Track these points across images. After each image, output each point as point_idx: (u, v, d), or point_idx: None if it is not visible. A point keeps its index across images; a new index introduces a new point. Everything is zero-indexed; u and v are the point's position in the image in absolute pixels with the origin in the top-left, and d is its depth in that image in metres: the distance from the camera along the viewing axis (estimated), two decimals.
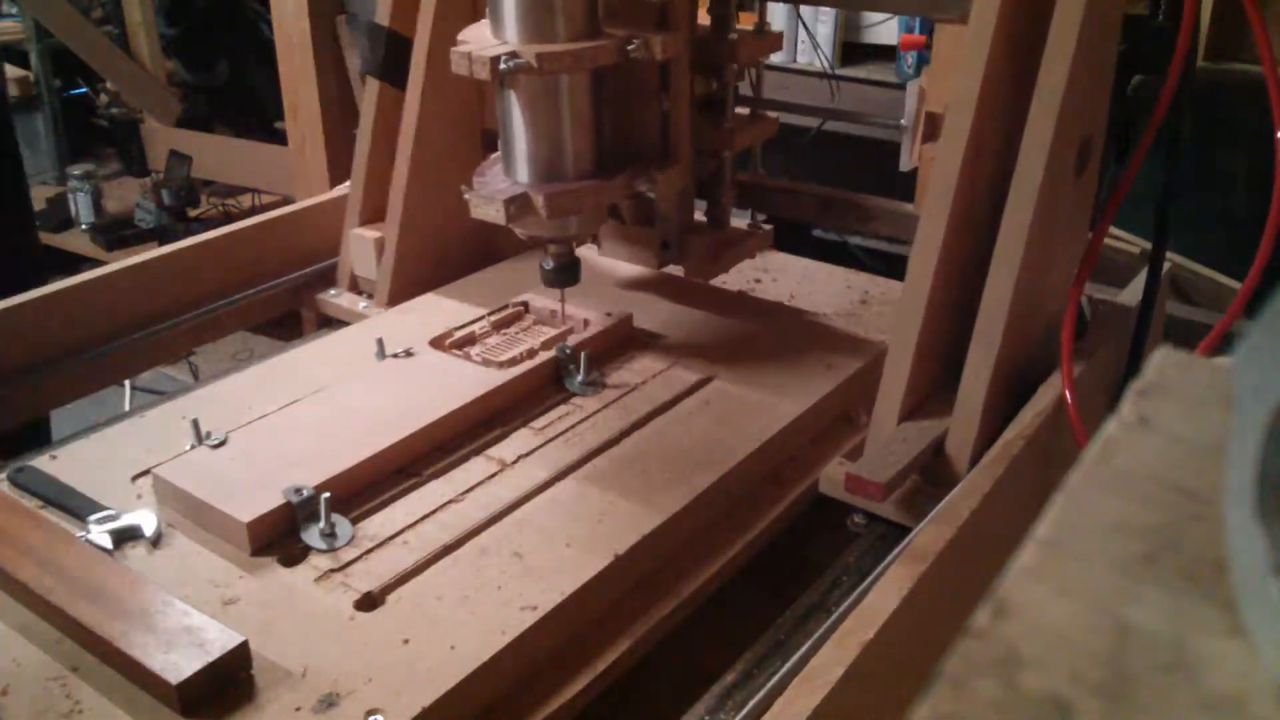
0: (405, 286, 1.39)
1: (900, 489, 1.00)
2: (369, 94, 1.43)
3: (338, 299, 1.45)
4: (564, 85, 1.06)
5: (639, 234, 1.27)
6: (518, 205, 1.05)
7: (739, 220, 1.41)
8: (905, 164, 1.41)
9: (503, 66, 0.99)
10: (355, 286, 1.46)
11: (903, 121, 1.38)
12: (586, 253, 1.38)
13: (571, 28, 1.03)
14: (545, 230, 1.10)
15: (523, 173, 1.08)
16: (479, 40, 1.04)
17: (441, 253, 1.41)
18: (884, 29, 2.76)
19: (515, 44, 1.02)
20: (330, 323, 1.45)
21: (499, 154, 1.11)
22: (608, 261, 1.40)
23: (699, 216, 1.34)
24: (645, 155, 1.17)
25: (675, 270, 1.34)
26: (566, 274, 1.15)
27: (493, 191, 1.06)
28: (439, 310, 1.31)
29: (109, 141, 3.56)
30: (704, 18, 1.23)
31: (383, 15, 1.37)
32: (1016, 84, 0.99)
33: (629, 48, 1.05)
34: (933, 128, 1.31)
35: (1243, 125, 1.84)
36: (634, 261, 1.32)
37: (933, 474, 1.03)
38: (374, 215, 1.44)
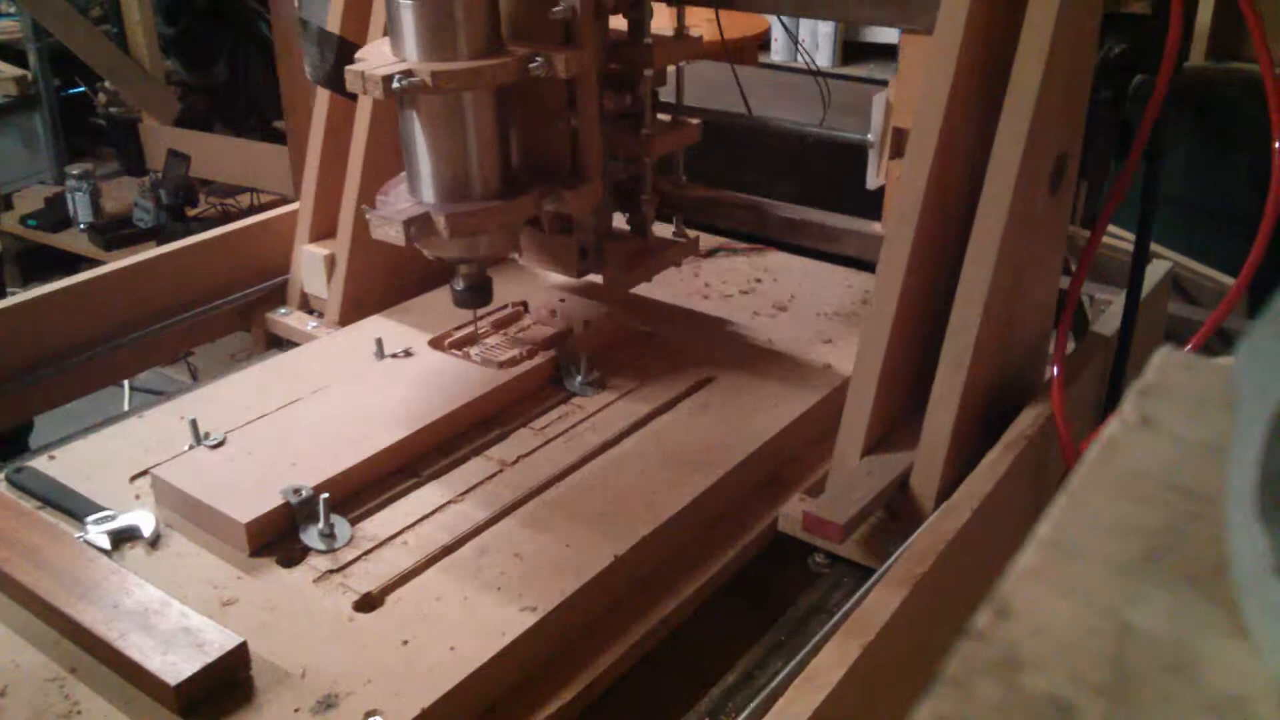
0: (356, 304, 1.33)
1: (863, 526, 0.95)
2: (319, 104, 1.37)
3: (287, 318, 1.40)
4: (465, 103, 1.03)
5: (557, 242, 1.22)
6: (419, 225, 1.02)
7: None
8: (872, 182, 1.35)
9: (396, 85, 0.96)
10: (306, 305, 1.41)
11: (869, 136, 1.33)
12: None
13: (472, 45, 1.00)
14: (450, 251, 1.08)
15: (427, 192, 1.05)
16: (377, 57, 1.01)
17: (395, 270, 1.35)
18: (885, 29, 2.76)
19: (413, 61, 0.99)
20: (279, 342, 1.40)
21: (405, 172, 1.08)
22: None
23: (624, 225, 1.29)
24: (555, 172, 1.13)
25: (595, 279, 1.29)
26: (477, 294, 1.12)
27: (394, 211, 1.03)
28: (437, 310, 1.30)
29: (107, 141, 3.57)
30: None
31: (333, 22, 1.32)
32: (986, 97, 0.95)
33: (531, 65, 1.02)
34: (900, 143, 1.25)
35: (1243, 124, 1.84)
36: (553, 270, 1.27)
37: (898, 510, 0.98)
38: (326, 231, 1.38)
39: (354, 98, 1.27)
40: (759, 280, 1.46)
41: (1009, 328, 1.00)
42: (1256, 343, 0.33)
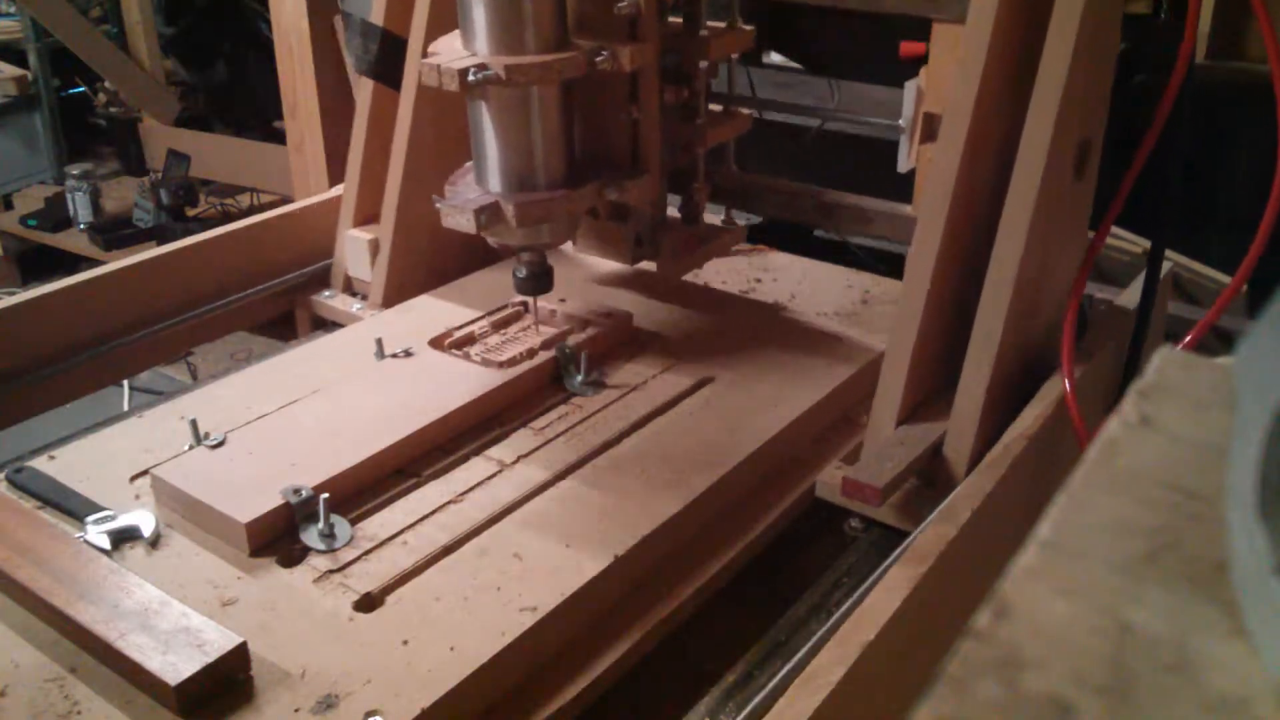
0: (400, 288, 1.38)
1: (898, 493, 0.99)
2: (363, 94, 1.42)
3: (332, 300, 1.45)
4: (533, 96, 1.06)
5: (612, 230, 1.27)
6: (488, 214, 1.05)
7: (715, 217, 1.41)
8: (903, 165, 1.40)
9: (471, 78, 1.00)
10: (350, 288, 1.46)
11: (900, 122, 1.37)
12: (579, 254, 1.38)
13: (540, 39, 1.04)
14: (516, 239, 1.11)
15: (494, 182, 1.09)
16: (449, 51, 1.04)
17: (436, 254, 1.40)
18: None
19: (484, 55, 1.02)
20: (325, 324, 1.44)
21: (472, 163, 1.12)
22: (605, 261, 1.40)
23: (673, 213, 1.33)
24: (616, 163, 1.17)
25: (649, 266, 1.33)
26: (539, 281, 1.15)
27: (464, 201, 1.06)
28: (435, 311, 1.31)
29: (107, 141, 3.56)
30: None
31: (377, 15, 1.36)
32: (1015, 84, 0.99)
33: (597, 59, 1.06)
34: (930, 128, 1.30)
35: (1244, 124, 1.84)
36: (607, 257, 1.32)
37: (931, 477, 1.02)
38: (369, 216, 1.43)
39: (397, 89, 1.33)
40: (759, 280, 1.46)
41: (1035, 304, 1.04)
42: (1256, 343, 0.33)
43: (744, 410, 1.12)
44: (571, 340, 1.21)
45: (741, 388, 1.17)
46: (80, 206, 3.19)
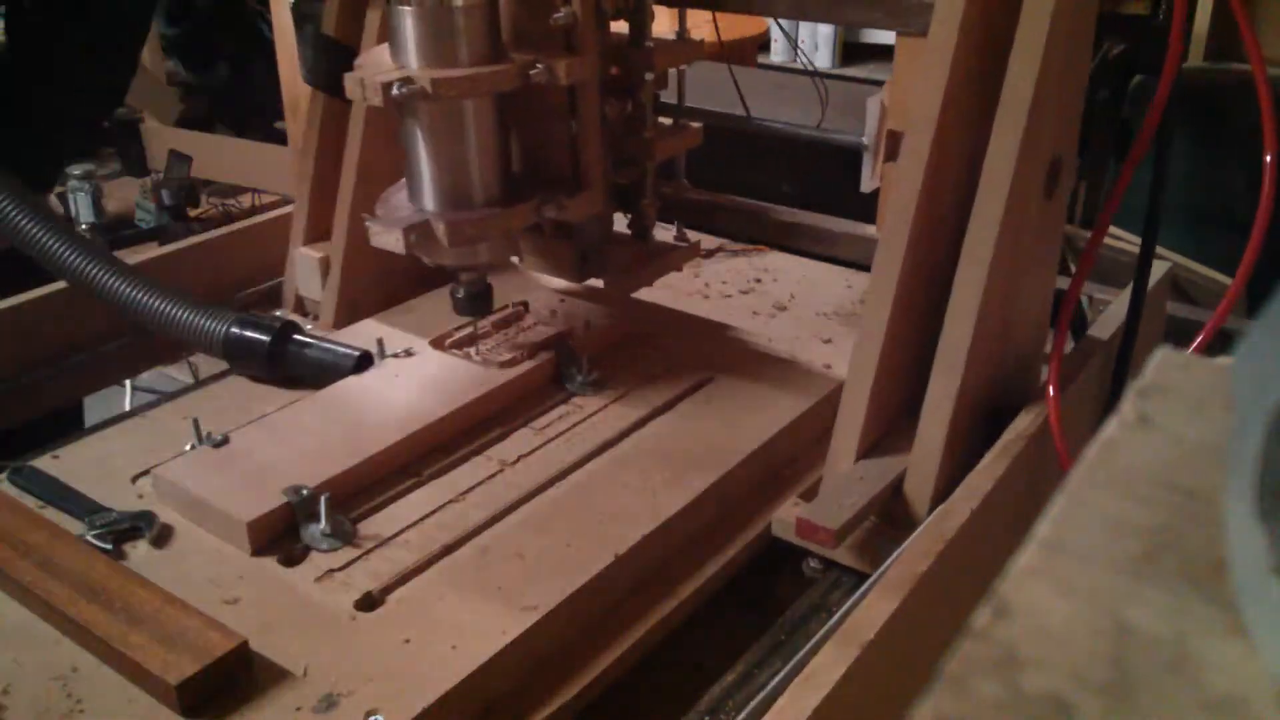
0: (351, 308, 1.32)
1: (857, 532, 0.95)
2: (312, 106, 1.36)
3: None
4: (466, 110, 1.03)
5: (557, 247, 1.21)
6: (419, 233, 1.02)
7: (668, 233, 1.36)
8: (866, 185, 1.35)
9: (395, 92, 0.96)
10: (300, 308, 1.40)
11: (864, 139, 1.33)
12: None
13: (472, 52, 1.00)
14: (450, 258, 1.08)
15: (427, 199, 1.05)
16: (376, 63, 1.01)
17: (389, 273, 1.33)
18: (885, 30, 2.76)
19: (413, 68, 0.99)
20: None
21: (404, 180, 1.08)
22: None
23: (625, 229, 1.27)
24: (557, 180, 1.13)
25: (597, 283, 1.28)
26: (476, 303, 1.12)
27: (394, 219, 1.03)
28: (438, 310, 1.29)
29: (109, 141, 3.56)
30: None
31: (328, 24, 1.31)
32: (981, 100, 0.94)
33: (531, 72, 1.02)
34: (894, 146, 1.25)
35: (1243, 125, 1.84)
36: (554, 275, 1.27)
37: (892, 515, 0.97)
38: (320, 233, 1.37)
39: (349, 101, 1.25)
40: (759, 280, 1.46)
41: (1004, 332, 1.00)
42: (1256, 343, 0.33)
43: (744, 410, 1.12)
44: (571, 340, 1.21)
45: (741, 388, 1.17)
46: (82, 207, 3.18)
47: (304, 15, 1.33)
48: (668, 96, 1.25)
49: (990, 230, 0.92)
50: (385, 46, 1.03)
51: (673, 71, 1.23)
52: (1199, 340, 1.04)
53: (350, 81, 0.99)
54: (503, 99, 1.05)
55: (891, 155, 1.24)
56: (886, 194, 1.34)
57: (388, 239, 1.02)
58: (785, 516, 0.97)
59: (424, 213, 1.04)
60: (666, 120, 1.25)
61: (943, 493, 0.93)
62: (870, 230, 1.44)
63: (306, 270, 1.36)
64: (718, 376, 1.19)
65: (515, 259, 1.26)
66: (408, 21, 0.98)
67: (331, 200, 1.34)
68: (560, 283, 1.34)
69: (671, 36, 1.19)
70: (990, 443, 0.96)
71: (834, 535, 0.90)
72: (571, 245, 1.20)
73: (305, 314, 1.40)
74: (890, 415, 1.02)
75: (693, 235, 1.33)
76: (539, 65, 1.02)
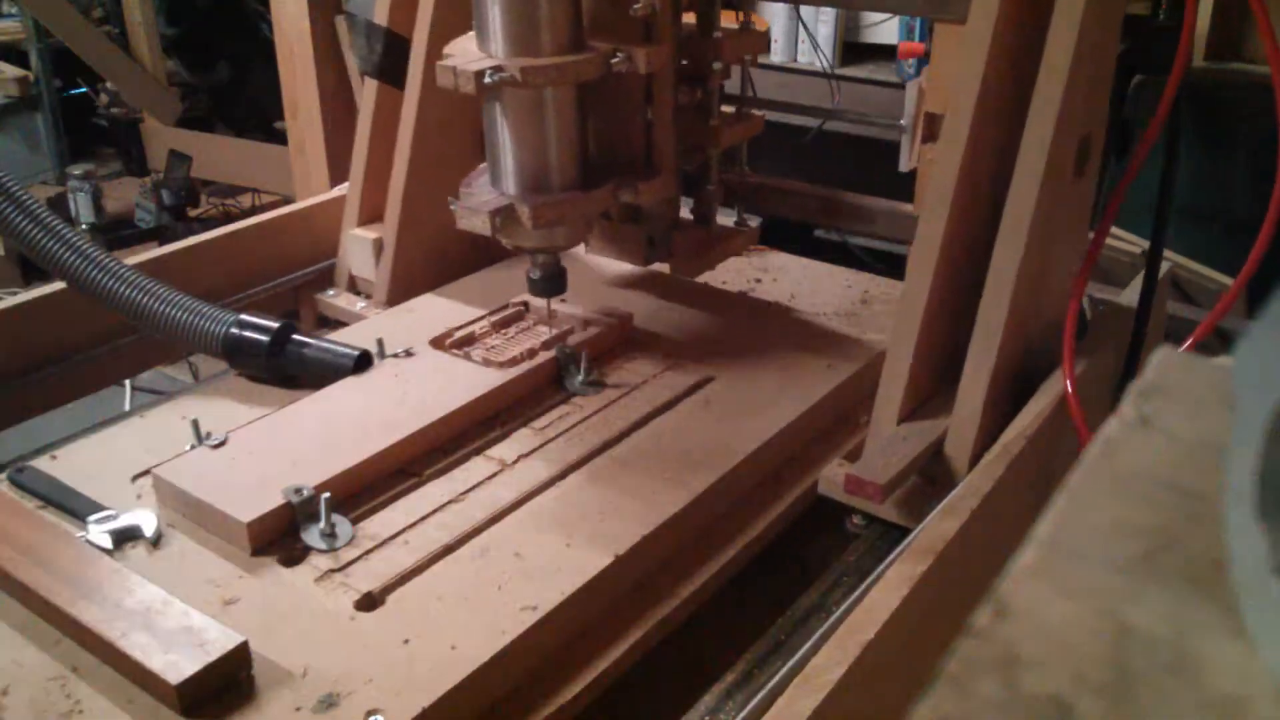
0: (404, 287, 1.38)
1: (900, 490, 0.99)
2: (367, 94, 1.42)
3: (336, 299, 1.45)
4: (548, 98, 1.06)
5: (625, 231, 1.27)
6: (503, 216, 1.06)
7: (726, 218, 1.41)
8: (905, 164, 1.41)
9: (487, 80, 0.99)
10: (354, 287, 1.46)
11: (902, 122, 1.38)
12: (583, 254, 1.38)
13: (556, 41, 1.04)
14: (531, 241, 1.11)
15: (509, 184, 1.09)
16: (465, 53, 1.04)
17: (440, 253, 1.40)
18: (884, 29, 2.76)
19: (500, 57, 1.02)
20: (329, 323, 1.44)
21: (486, 164, 1.12)
22: (606, 261, 1.40)
23: (685, 214, 1.33)
24: (630, 165, 1.17)
25: (662, 268, 1.34)
26: (553, 283, 1.15)
27: (479, 203, 1.06)
28: (438, 310, 1.31)
29: (109, 141, 3.56)
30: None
31: (381, 15, 1.37)
32: (1016, 83, 0.99)
33: (613, 61, 1.06)
34: (932, 128, 1.31)
35: (1243, 124, 1.84)
36: (621, 259, 1.32)
37: (933, 474, 1.02)
38: (372, 215, 1.43)
39: (401, 89, 1.33)
40: (759, 280, 1.46)
41: (1036, 301, 1.04)
42: (1256, 343, 0.33)
43: (744, 410, 1.12)
44: (571, 340, 1.21)
45: (741, 388, 1.17)
46: (82, 207, 3.19)
47: (354, 7, 1.36)
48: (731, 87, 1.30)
49: (1027, 206, 0.97)
50: (471, 36, 1.06)
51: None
52: (1192, 338, 1.04)
53: (442, 70, 1.02)
54: (582, 86, 1.08)
55: (930, 137, 1.29)
56: (924, 174, 1.38)
57: (475, 221, 1.05)
58: (832, 475, 1.02)
59: (507, 196, 1.08)
60: (730, 109, 1.29)
61: (981, 452, 0.99)
62: (907, 208, 1.47)
63: (361, 251, 1.42)
64: (718, 376, 1.18)
65: (584, 245, 1.29)
66: (495, 11, 1.02)
67: (383, 185, 1.39)
68: (609, 265, 1.38)
69: (735, 27, 1.24)
70: (1020, 406, 1.01)
71: (881, 490, 0.95)
72: (640, 229, 1.25)
73: (358, 293, 1.46)
74: (930, 380, 1.07)
75: (753, 221, 1.38)
76: (620, 54, 1.06)
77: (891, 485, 0.96)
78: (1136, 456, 0.37)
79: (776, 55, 3.49)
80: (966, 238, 1.03)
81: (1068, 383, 1.00)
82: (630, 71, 1.07)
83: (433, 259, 1.40)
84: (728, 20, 1.24)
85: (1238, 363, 0.34)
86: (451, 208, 1.07)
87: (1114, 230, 1.43)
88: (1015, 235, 0.98)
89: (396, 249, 1.38)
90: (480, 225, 1.05)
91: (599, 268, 1.41)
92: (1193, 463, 0.37)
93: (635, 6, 1.07)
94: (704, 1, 1.19)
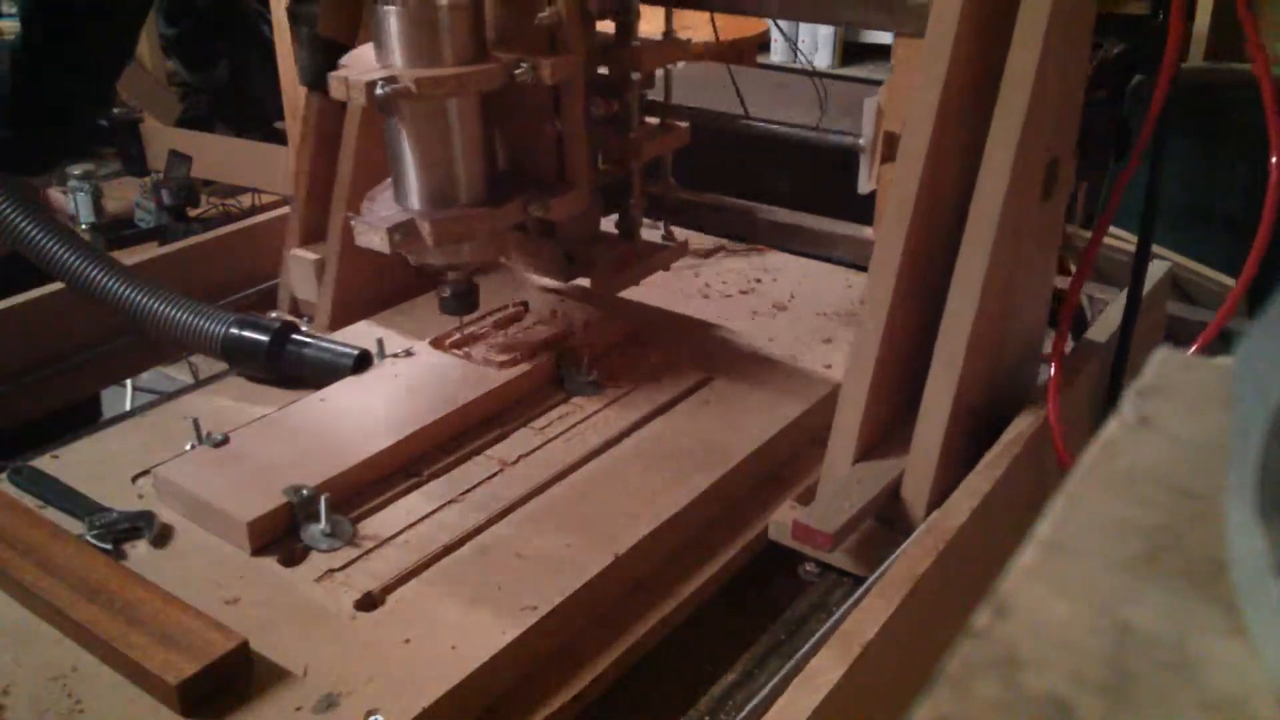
0: (346, 310, 1.31)
1: (854, 535, 0.94)
2: (307, 107, 1.35)
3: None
4: (450, 110, 1.02)
5: (544, 247, 1.21)
6: (403, 232, 1.01)
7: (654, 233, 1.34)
8: (863, 186, 1.34)
9: (379, 92, 0.95)
10: (296, 309, 1.40)
11: (860, 140, 1.32)
12: None
13: (456, 51, 0.99)
14: (434, 258, 1.07)
15: (411, 199, 1.05)
16: (361, 64, 1.01)
17: (384, 276, 1.32)
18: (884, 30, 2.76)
19: (397, 68, 0.98)
20: None
21: (390, 180, 1.08)
22: None
23: (612, 228, 1.27)
24: (542, 179, 1.13)
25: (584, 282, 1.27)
26: (463, 301, 1.12)
27: (378, 219, 1.02)
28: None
29: (109, 141, 3.56)
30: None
31: (322, 25, 1.30)
32: (977, 102, 0.93)
33: (516, 72, 1.02)
34: (891, 148, 1.24)
35: (1243, 124, 1.84)
36: (541, 274, 1.27)
37: (890, 518, 0.97)
38: (315, 235, 1.37)
39: (345, 102, 1.24)
40: (759, 280, 1.46)
41: (1001, 334, 0.99)
42: (1256, 343, 0.33)
43: (744, 410, 1.12)
44: (571, 340, 1.21)
45: (741, 388, 1.17)
46: (82, 207, 3.18)
47: (298, 17, 1.32)
48: (656, 95, 1.25)
49: (988, 231, 0.91)
50: (370, 46, 1.03)
51: (658, 71, 1.23)
52: (1199, 342, 1.04)
53: (334, 80, 0.98)
54: (487, 98, 1.05)
55: (889, 156, 1.23)
56: (883, 196, 1.33)
57: (372, 238, 1.01)
58: (782, 520, 0.97)
59: (409, 212, 1.04)
60: (654, 120, 1.24)
61: (940, 496, 0.93)
62: (867, 232, 1.43)
63: (302, 272, 1.35)
64: (718, 377, 1.19)
65: (503, 259, 1.25)
66: (391, 21, 0.98)
67: (326, 202, 1.33)
68: (552, 282, 1.34)
69: (659, 37, 1.19)
70: (986, 446, 0.95)
71: (830, 539, 0.90)
72: (557, 244, 1.20)
73: (300, 316, 1.39)
74: (888, 419, 1.01)
75: (680, 235, 1.32)
76: (523, 64, 1.02)
77: (843, 532, 0.91)
78: (1136, 456, 0.37)
79: (776, 56, 3.49)
80: (925, 265, 0.96)
81: (1052, 377, 0.99)
82: (536, 82, 1.03)
83: (377, 281, 1.32)
84: (654, 28, 1.19)
85: (1238, 363, 0.34)
86: (351, 223, 1.03)
87: (1114, 230, 1.43)
88: (975, 264, 0.91)
89: (339, 270, 1.30)
90: (378, 242, 1.01)
91: None
92: (1193, 463, 0.37)
93: (540, 16, 1.03)
94: (621, 10, 1.13)
